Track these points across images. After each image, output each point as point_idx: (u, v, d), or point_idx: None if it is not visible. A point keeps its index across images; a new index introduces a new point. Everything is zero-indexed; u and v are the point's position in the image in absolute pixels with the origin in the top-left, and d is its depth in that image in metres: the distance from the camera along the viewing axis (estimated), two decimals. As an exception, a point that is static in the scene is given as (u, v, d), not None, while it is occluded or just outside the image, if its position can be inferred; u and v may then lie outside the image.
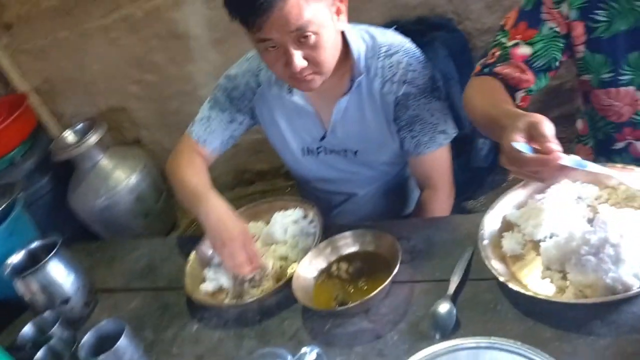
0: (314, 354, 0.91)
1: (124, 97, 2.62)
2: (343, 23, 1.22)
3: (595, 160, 0.99)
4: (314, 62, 1.17)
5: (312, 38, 1.14)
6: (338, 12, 1.20)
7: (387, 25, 1.86)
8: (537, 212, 1.05)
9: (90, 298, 1.39)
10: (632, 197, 1.02)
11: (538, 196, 1.09)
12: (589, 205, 1.05)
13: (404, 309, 1.05)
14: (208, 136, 1.44)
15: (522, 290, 0.94)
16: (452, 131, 1.35)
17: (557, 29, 1.13)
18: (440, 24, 1.83)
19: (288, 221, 1.33)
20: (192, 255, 1.35)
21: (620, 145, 1.20)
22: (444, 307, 0.99)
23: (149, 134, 2.73)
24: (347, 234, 1.20)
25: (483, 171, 1.89)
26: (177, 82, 2.47)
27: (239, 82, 1.41)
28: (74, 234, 2.45)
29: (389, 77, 1.28)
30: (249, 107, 1.43)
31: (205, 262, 1.35)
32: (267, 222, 1.37)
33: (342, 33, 1.24)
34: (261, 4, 1.07)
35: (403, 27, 1.84)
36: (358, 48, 1.28)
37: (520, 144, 0.87)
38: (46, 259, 1.30)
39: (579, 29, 1.11)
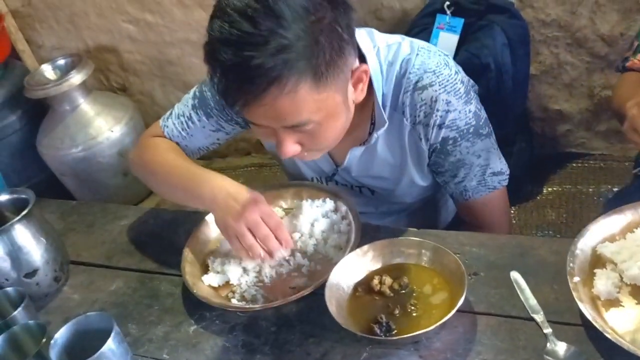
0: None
1: (115, 36, 2.30)
2: (363, 92, 0.98)
3: None
4: (309, 146, 0.97)
5: (311, 127, 0.92)
6: (358, 82, 0.96)
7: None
8: (646, 251, 0.85)
9: (61, 272, 1.15)
10: None
11: (640, 230, 0.90)
12: None
13: (465, 348, 0.85)
14: (184, 140, 1.18)
15: None
16: (506, 169, 1.14)
17: None
18: (501, 7, 1.61)
19: (317, 212, 1.11)
20: (193, 236, 1.12)
21: None
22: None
23: (138, 82, 2.42)
24: (396, 240, 0.98)
25: (521, 180, 1.69)
26: (183, 28, 2.17)
27: None
28: (39, 183, 2.16)
29: (420, 119, 1.04)
30: (243, 118, 1.12)
31: (207, 249, 1.12)
32: (288, 211, 1.15)
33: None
34: (248, 94, 0.85)
35: (460, 4, 1.63)
36: (384, 93, 1.03)
37: None
38: (15, 220, 1.05)
39: None
